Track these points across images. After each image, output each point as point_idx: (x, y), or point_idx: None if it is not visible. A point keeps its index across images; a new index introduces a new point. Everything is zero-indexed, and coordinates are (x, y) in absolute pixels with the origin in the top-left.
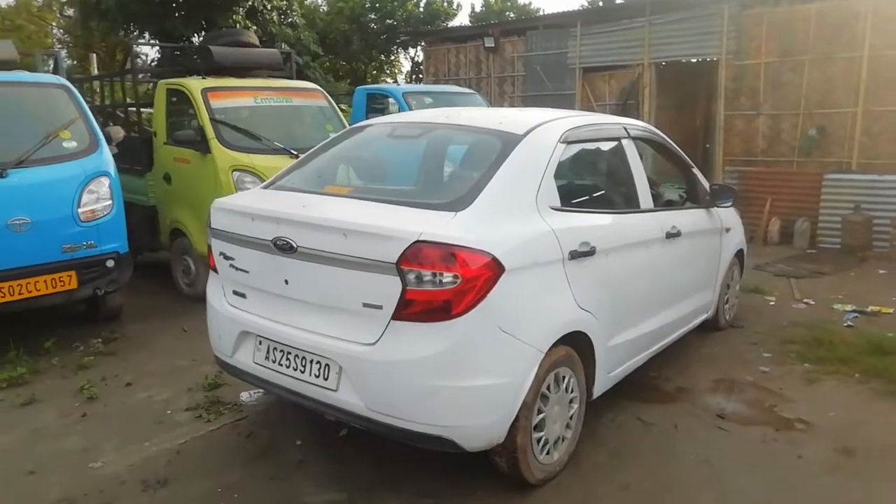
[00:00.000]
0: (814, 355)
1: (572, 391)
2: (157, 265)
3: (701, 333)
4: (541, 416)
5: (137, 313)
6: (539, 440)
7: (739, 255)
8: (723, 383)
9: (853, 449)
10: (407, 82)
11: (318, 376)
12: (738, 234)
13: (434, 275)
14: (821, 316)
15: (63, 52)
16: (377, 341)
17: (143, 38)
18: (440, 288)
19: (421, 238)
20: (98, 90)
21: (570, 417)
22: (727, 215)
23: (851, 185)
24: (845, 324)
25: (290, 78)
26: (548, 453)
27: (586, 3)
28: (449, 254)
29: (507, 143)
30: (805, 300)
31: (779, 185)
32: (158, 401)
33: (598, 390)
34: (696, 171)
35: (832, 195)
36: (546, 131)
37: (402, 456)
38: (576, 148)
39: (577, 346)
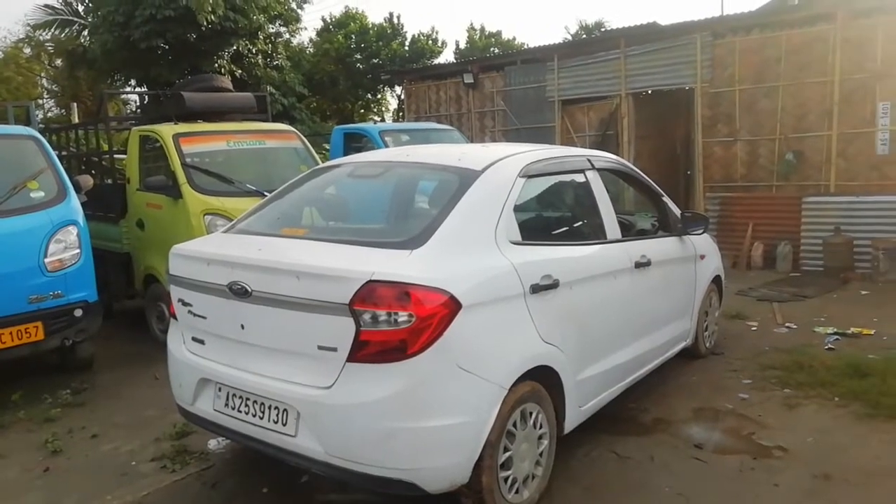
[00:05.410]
0: (794, 380)
1: (541, 427)
2: (132, 313)
3: (681, 362)
4: (507, 454)
5: (110, 362)
6: (507, 479)
7: (717, 281)
8: (702, 412)
9: (831, 474)
10: (394, 120)
11: (276, 422)
12: (715, 260)
13: (388, 314)
14: (802, 340)
15: (51, 102)
16: (333, 384)
17: (130, 85)
18: (395, 328)
19: (373, 277)
20: (74, 138)
21: (540, 454)
22: (701, 242)
23: (830, 208)
24: (826, 347)
25: (268, 120)
26: (517, 492)
27: (569, 36)
28: (402, 292)
29: (465, 179)
30: (787, 324)
31: (759, 210)
32: (124, 452)
33: (569, 425)
34: (666, 199)
35: (812, 218)
36: (505, 166)
37: (370, 501)
38: (537, 181)
39: (544, 380)
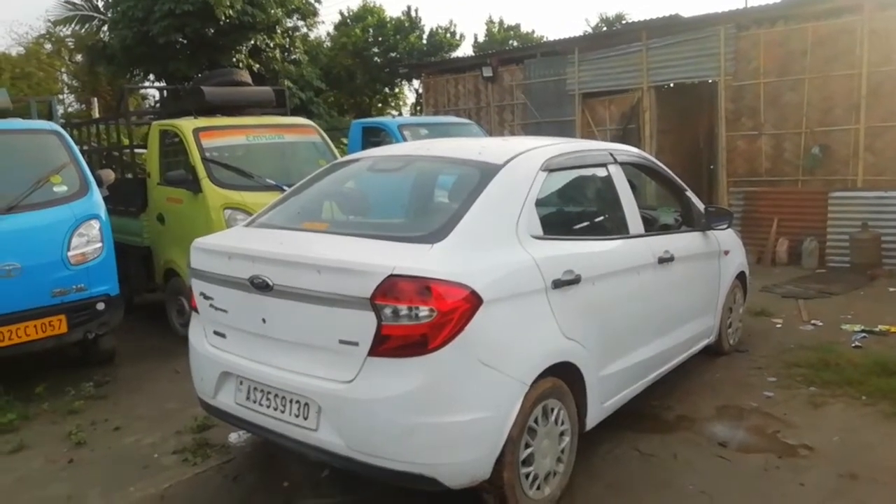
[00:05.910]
0: (820, 378)
1: (563, 423)
2: (153, 306)
3: (704, 359)
4: (529, 450)
5: (131, 355)
6: (528, 475)
7: (741, 277)
8: (726, 410)
9: (857, 474)
10: (411, 114)
11: (297, 416)
12: (739, 256)
13: (409, 309)
14: (829, 337)
15: (71, 97)
16: (354, 379)
17: (149, 80)
18: (416, 322)
19: (395, 272)
20: (95, 133)
21: (562, 451)
22: (725, 238)
23: (858, 203)
24: (853, 344)
25: (286, 114)
26: (538, 488)
27: (589, 29)
28: (424, 287)
29: (486, 173)
30: (813, 321)
31: (785, 205)
32: (146, 444)
33: (591, 422)
34: (690, 194)
35: (839, 213)
36: (526, 160)
37: (391, 495)
38: (558, 175)
39: (566, 376)
